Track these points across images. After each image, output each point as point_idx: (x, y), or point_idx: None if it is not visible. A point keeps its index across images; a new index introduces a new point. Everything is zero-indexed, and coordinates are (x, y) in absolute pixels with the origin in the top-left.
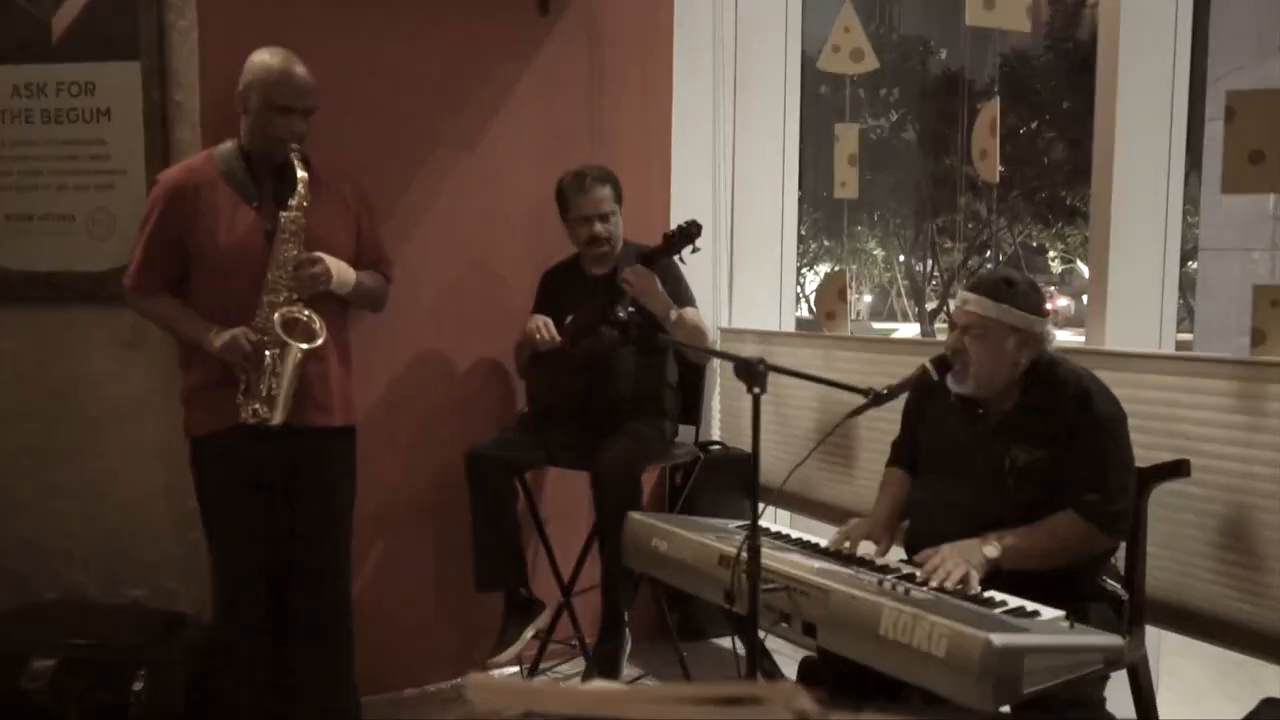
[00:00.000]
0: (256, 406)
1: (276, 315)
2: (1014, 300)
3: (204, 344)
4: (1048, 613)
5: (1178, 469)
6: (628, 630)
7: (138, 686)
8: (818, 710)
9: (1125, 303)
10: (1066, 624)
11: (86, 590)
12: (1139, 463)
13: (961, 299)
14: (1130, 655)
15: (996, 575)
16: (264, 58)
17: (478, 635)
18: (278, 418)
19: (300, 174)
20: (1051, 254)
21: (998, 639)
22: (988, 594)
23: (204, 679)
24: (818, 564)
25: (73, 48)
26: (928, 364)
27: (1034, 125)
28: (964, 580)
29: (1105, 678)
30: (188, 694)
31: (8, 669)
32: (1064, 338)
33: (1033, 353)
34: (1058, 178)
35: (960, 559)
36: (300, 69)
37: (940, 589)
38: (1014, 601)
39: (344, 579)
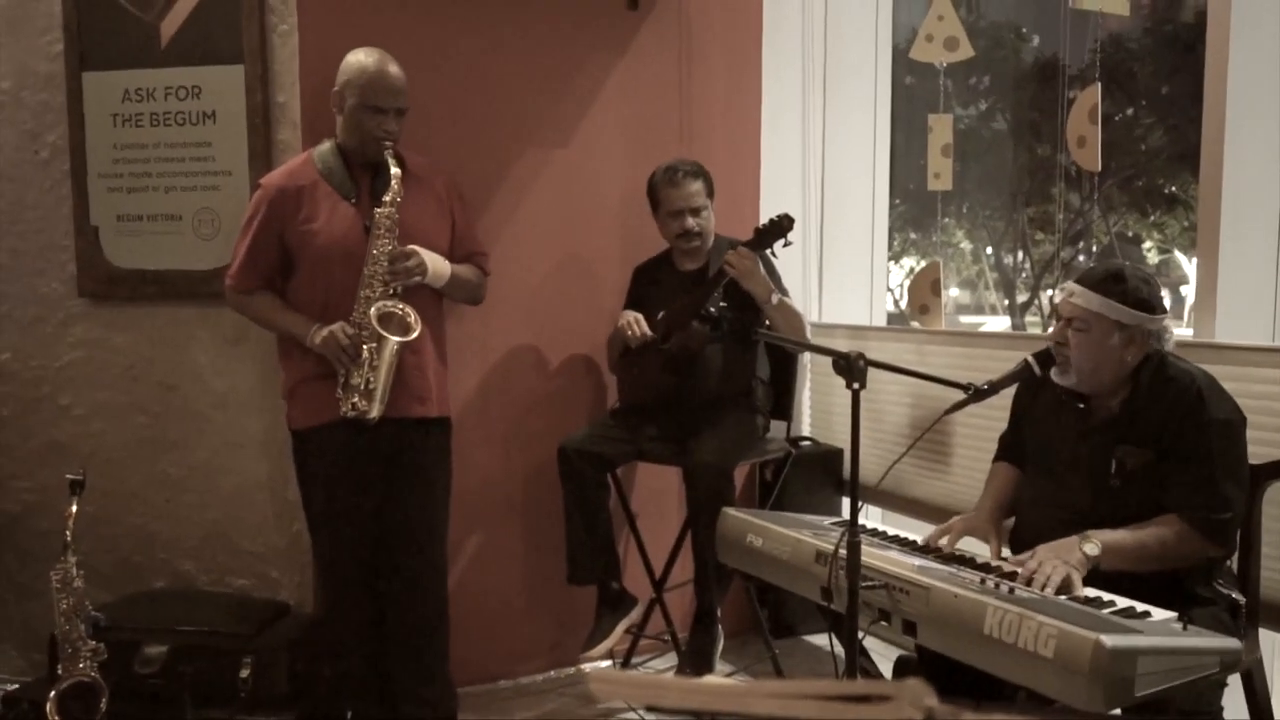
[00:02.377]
0: (355, 400)
1: (372, 309)
2: (1122, 297)
3: (303, 340)
4: (1159, 614)
5: None
6: (720, 626)
7: (244, 673)
8: (945, 708)
9: (1236, 294)
10: (1180, 625)
11: (195, 579)
12: (1253, 460)
13: (1067, 290)
14: (1246, 659)
15: (1100, 576)
16: (359, 58)
17: (570, 629)
18: (375, 411)
19: (394, 170)
20: (1148, 244)
21: (1109, 640)
22: (1095, 594)
23: (306, 666)
24: (917, 561)
25: (180, 52)
26: (1030, 358)
27: (1130, 112)
28: (1065, 585)
29: (1222, 684)
30: (291, 681)
31: (122, 654)
32: None
33: (1141, 351)
34: (1155, 165)
35: (1059, 560)
36: (394, 69)
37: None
38: (1123, 602)
39: (441, 569)
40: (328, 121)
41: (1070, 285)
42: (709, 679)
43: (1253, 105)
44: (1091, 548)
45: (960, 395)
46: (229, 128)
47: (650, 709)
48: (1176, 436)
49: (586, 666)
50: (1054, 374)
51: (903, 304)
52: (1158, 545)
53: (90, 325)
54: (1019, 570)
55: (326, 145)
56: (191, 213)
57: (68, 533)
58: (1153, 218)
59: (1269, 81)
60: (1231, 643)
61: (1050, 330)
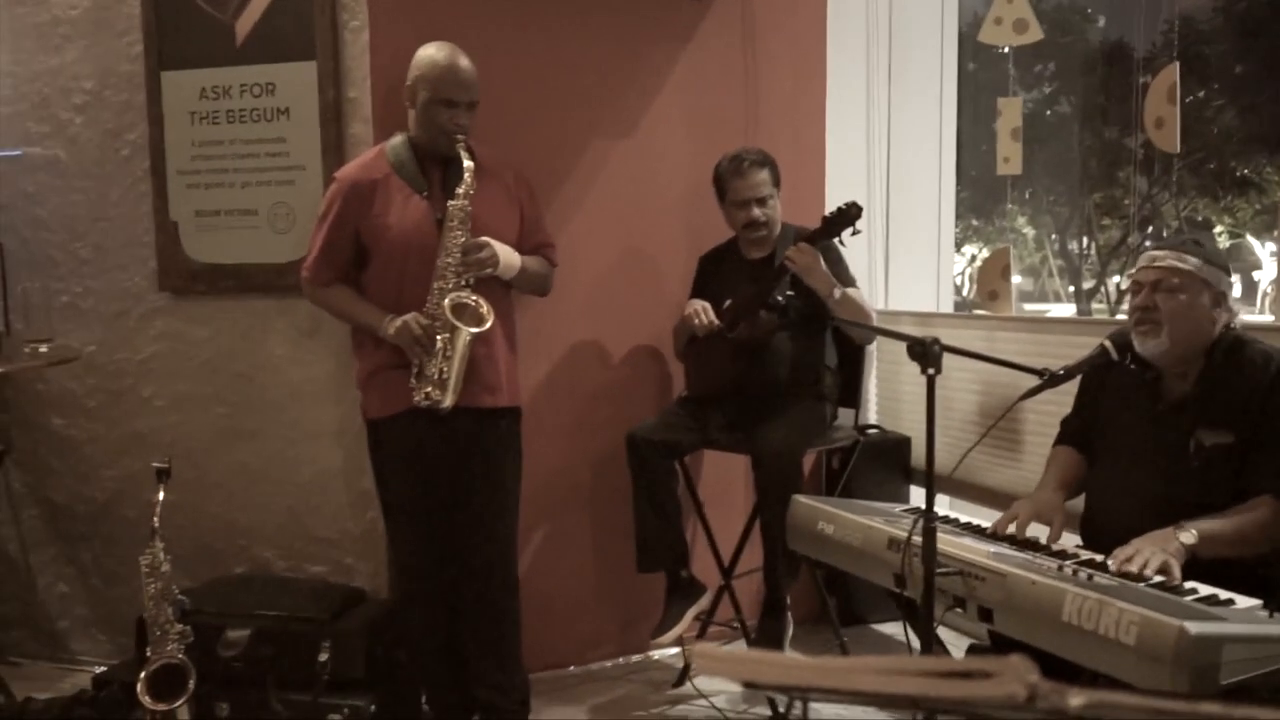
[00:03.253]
0: (429, 390)
1: (446, 300)
2: (1205, 257)
3: (378, 330)
4: (1243, 601)
5: None
6: (789, 613)
7: (323, 657)
8: (1050, 685)
9: None
10: (1265, 613)
11: (273, 565)
12: None
13: (1149, 257)
14: None
15: (1194, 563)
16: (430, 52)
17: (639, 616)
18: (449, 400)
19: (466, 163)
20: (1219, 229)
21: (1193, 627)
22: (1175, 581)
23: (382, 651)
24: (992, 548)
25: (254, 50)
26: (1107, 342)
27: (1201, 94)
28: (1164, 569)
29: None
30: (368, 665)
31: (206, 637)
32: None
33: (1226, 316)
34: (1228, 148)
35: (1157, 548)
36: (465, 62)
37: (1138, 576)
38: (1205, 589)
39: (512, 557)
40: (399, 116)
41: (1152, 252)
42: (810, 657)
43: None
44: (1188, 536)
45: (1034, 381)
46: (302, 123)
47: (748, 684)
48: (1258, 416)
49: (655, 653)
50: (1136, 343)
51: (964, 291)
52: (1256, 530)
53: (171, 319)
54: (1109, 561)
55: (398, 139)
56: (267, 207)
57: (155, 519)
58: (1224, 201)
59: None
60: None
61: (1128, 304)
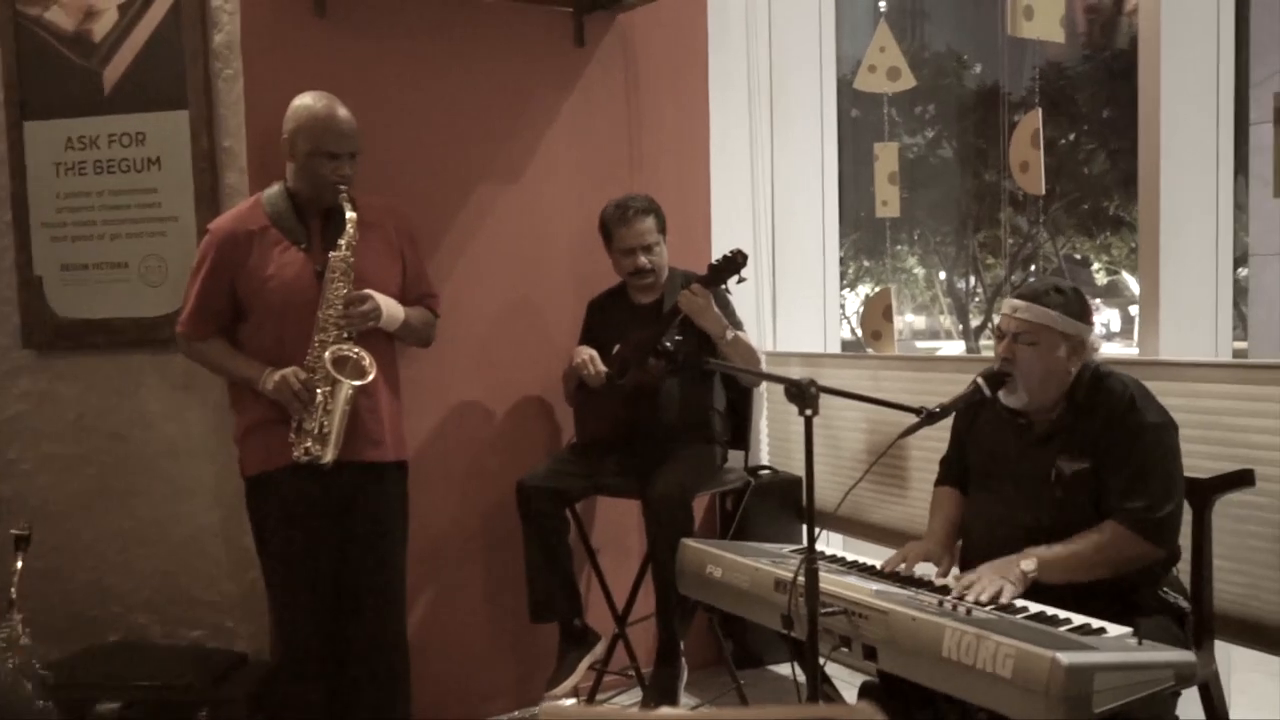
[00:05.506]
0: (309, 445)
1: (327, 353)
2: (1063, 307)
3: (256, 385)
4: (1114, 629)
5: (1242, 479)
6: (684, 659)
7: None
8: None
9: (1178, 312)
10: (1134, 640)
11: (149, 631)
12: (1201, 474)
13: (1010, 306)
14: (1202, 671)
15: (1048, 590)
16: (307, 103)
17: (534, 667)
18: (330, 455)
19: (349, 214)
20: (1096, 266)
21: (1065, 657)
22: (1051, 612)
23: (266, 717)
24: (875, 586)
25: (123, 99)
26: (980, 380)
27: (1073, 137)
28: (996, 597)
29: (1176, 695)
30: None
31: (74, 711)
32: (1112, 350)
33: (1080, 360)
34: (1100, 188)
35: (995, 575)
36: (343, 112)
37: (1001, 606)
38: (1079, 619)
39: (399, 613)
40: (275, 165)
41: (1013, 300)
42: (662, 711)
43: (1187, 127)
44: (1028, 564)
45: (913, 419)
46: (174, 173)
47: None
48: (1111, 443)
49: (550, 705)
50: (1002, 395)
51: (858, 332)
52: (1095, 552)
53: (36, 377)
54: (952, 588)
55: (275, 189)
56: (138, 259)
57: (12, 590)
58: (1099, 239)
59: (1202, 103)
60: (1186, 656)
61: (995, 349)
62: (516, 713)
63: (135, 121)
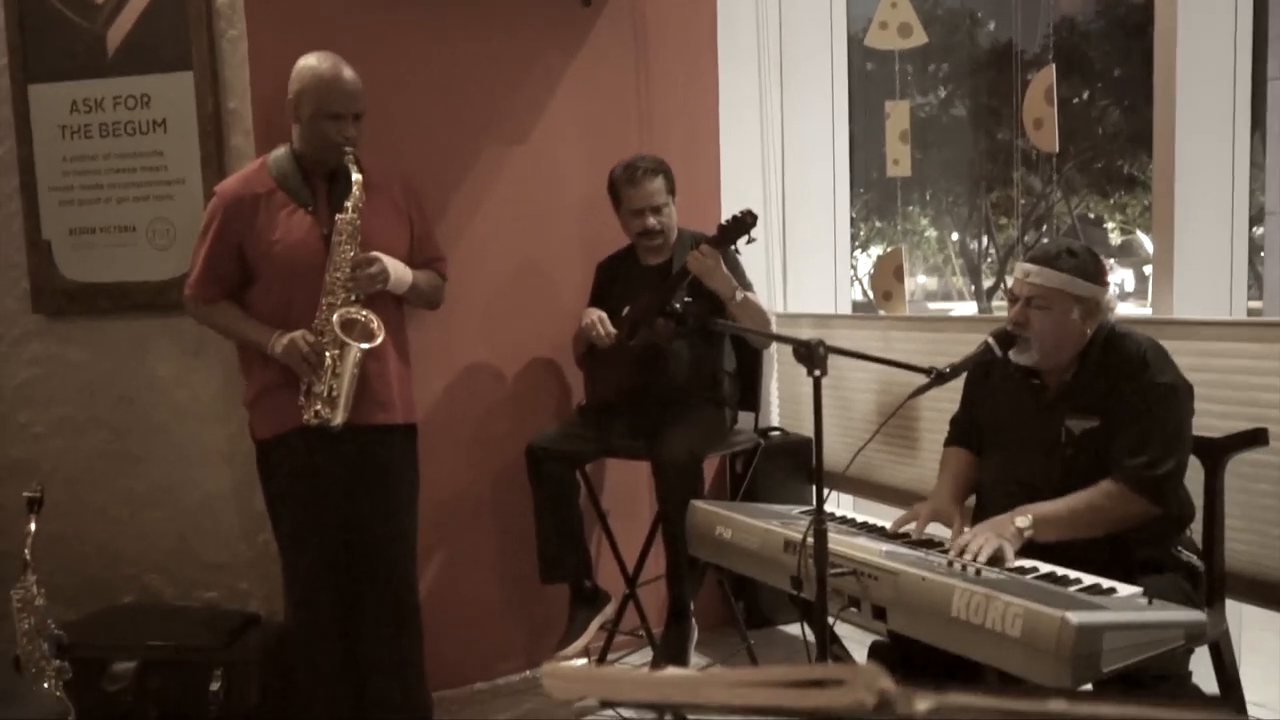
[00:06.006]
0: (318, 408)
1: (335, 316)
2: (1077, 270)
3: (265, 348)
4: (1124, 589)
5: (1255, 438)
6: (694, 619)
7: (215, 686)
8: (899, 690)
9: (1192, 271)
10: (1145, 600)
11: (162, 593)
12: (1214, 433)
13: (1022, 271)
14: (1212, 631)
15: (1066, 550)
16: (311, 64)
17: (544, 628)
18: (339, 418)
19: (355, 176)
20: (1110, 225)
21: (1075, 617)
22: (1061, 572)
23: (278, 678)
24: (885, 547)
25: (127, 61)
26: (990, 340)
27: (1086, 95)
28: (997, 555)
29: (1189, 651)
30: (262, 693)
31: (90, 672)
32: (1126, 310)
33: (1096, 322)
34: (1114, 147)
35: (991, 534)
36: (349, 73)
37: (1014, 566)
38: (1089, 579)
39: (411, 575)
40: (281, 127)
41: (1025, 265)
42: (663, 671)
43: (1202, 84)
44: (1023, 520)
45: (923, 380)
46: (181, 136)
47: (606, 703)
48: (1120, 400)
49: (552, 664)
50: (1013, 354)
51: (870, 293)
52: (1090, 510)
53: (46, 341)
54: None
55: (282, 151)
56: (146, 223)
57: (26, 551)
58: (1113, 199)
59: (1218, 60)
60: (1196, 615)
61: (1009, 312)
62: (528, 672)
63: (140, 84)
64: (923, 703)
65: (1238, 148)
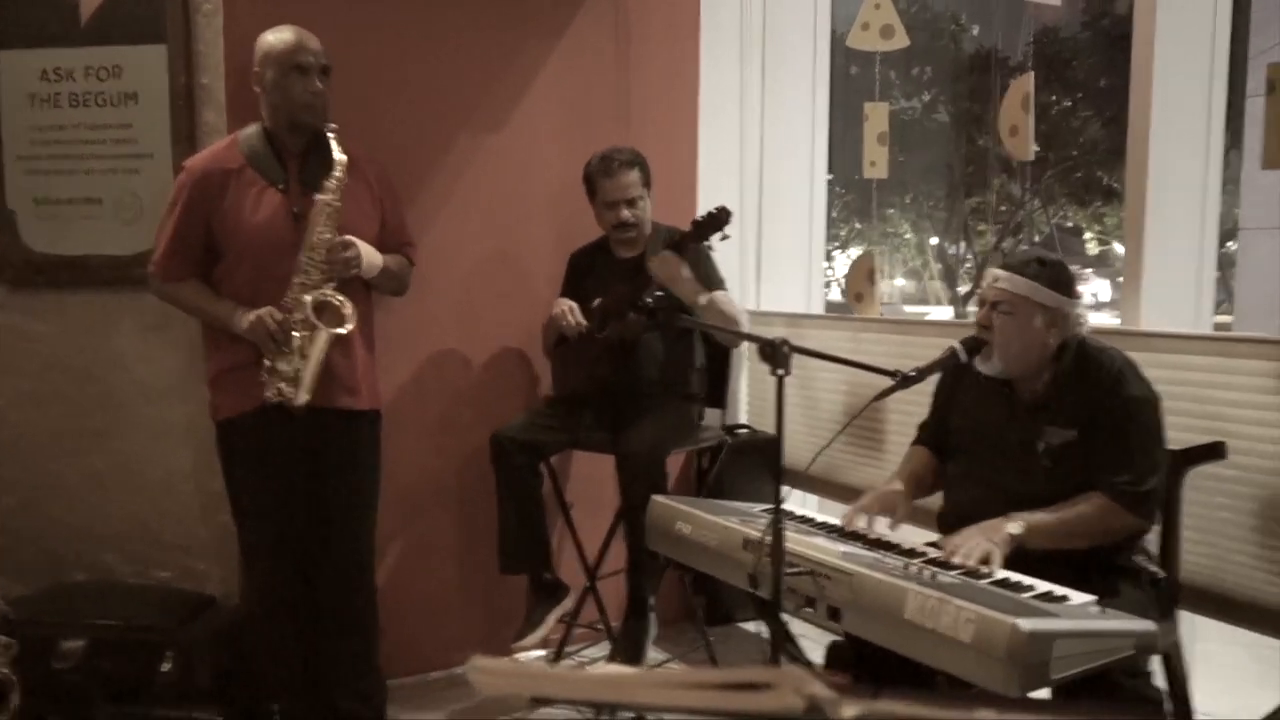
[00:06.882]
0: (281, 385)
1: (308, 297)
2: (1044, 279)
3: (230, 326)
4: (1078, 597)
5: (1213, 451)
6: (653, 615)
7: (165, 667)
8: (829, 694)
9: (1161, 283)
10: (1097, 609)
11: (116, 571)
12: (1174, 445)
13: (992, 275)
14: (1163, 641)
15: (1025, 555)
16: (269, 36)
17: (503, 619)
18: (302, 397)
19: (339, 157)
20: (1088, 235)
21: (1025, 624)
22: (1015, 578)
23: (232, 661)
24: (843, 547)
25: (100, 31)
26: (956, 345)
27: (1068, 104)
28: (986, 559)
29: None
30: (215, 675)
31: (39, 649)
32: (1100, 320)
33: (1061, 333)
34: (1094, 157)
35: (983, 538)
36: (308, 34)
37: (968, 571)
38: (1043, 586)
39: (369, 562)
40: (254, 104)
41: (995, 270)
42: (594, 669)
43: (1178, 97)
44: (1015, 526)
45: (890, 382)
46: (151, 109)
47: (535, 699)
48: (1098, 414)
49: (520, 657)
50: (978, 361)
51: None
52: (1080, 521)
53: (8, 313)
54: (939, 553)
55: (253, 129)
56: (113, 196)
57: None
58: (1091, 209)
59: (1195, 74)
60: (1147, 625)
61: (976, 315)
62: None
63: (112, 54)
64: (850, 709)
65: (1211, 162)
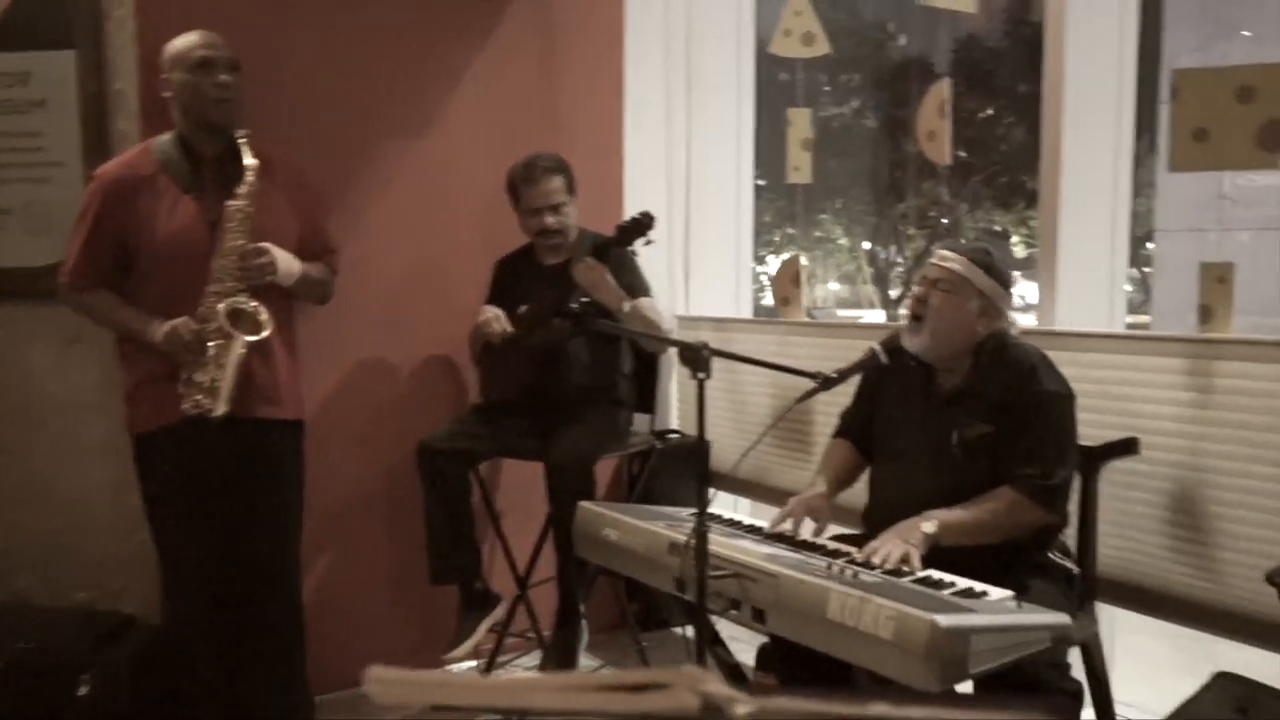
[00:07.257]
0: (199, 397)
1: (221, 306)
2: (987, 266)
3: (145, 337)
4: (996, 593)
5: (1127, 447)
6: (584, 622)
7: (82, 691)
8: (724, 692)
9: (1076, 283)
10: (1014, 604)
11: (31, 593)
12: (1090, 441)
13: (939, 256)
14: (1081, 633)
15: (943, 553)
16: (174, 40)
17: (434, 630)
18: (220, 408)
19: (249, 161)
20: (1014, 239)
21: (943, 620)
22: (937, 576)
23: (152, 681)
24: (766, 549)
25: (6, 37)
26: (876, 346)
27: (992, 110)
28: (904, 560)
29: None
30: (135, 697)
31: None
32: (1027, 322)
33: (991, 324)
34: (1018, 162)
35: (899, 540)
36: (211, 33)
37: (890, 570)
38: (962, 583)
39: (294, 575)
40: (170, 112)
41: (943, 251)
42: (492, 675)
43: (1091, 103)
44: (929, 525)
45: (811, 384)
46: (60, 117)
47: (435, 708)
48: (1011, 408)
49: (452, 669)
50: (904, 338)
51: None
52: (992, 517)
53: None
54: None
55: (167, 136)
56: (20, 206)
57: None
58: (1016, 212)
59: (1106, 79)
60: (1062, 618)
61: (913, 292)
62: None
63: (18, 60)
64: (743, 707)
65: (1121, 164)
